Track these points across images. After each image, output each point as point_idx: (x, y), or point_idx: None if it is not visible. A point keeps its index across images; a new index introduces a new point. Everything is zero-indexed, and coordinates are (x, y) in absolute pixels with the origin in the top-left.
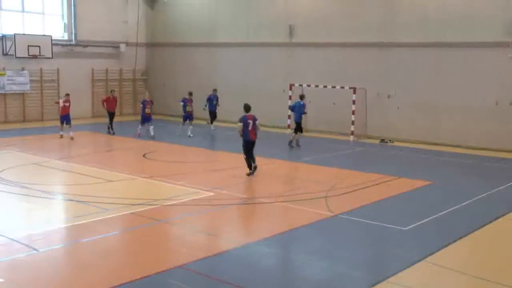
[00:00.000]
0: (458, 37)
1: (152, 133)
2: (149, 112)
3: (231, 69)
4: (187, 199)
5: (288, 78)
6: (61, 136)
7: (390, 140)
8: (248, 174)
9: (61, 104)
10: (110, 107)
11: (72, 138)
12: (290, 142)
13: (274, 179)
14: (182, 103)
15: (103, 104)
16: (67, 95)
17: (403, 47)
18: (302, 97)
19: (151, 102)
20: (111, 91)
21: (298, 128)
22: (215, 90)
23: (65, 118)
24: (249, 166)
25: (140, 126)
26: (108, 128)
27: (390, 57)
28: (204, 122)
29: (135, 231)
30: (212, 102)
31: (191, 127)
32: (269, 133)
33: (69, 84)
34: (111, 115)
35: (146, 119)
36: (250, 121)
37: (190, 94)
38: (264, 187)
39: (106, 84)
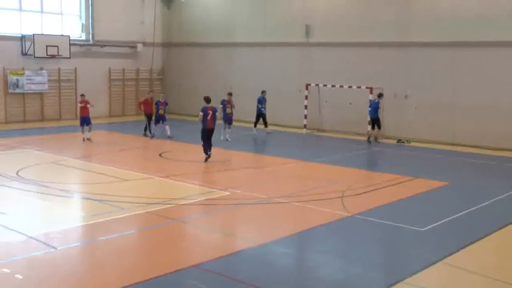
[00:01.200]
0: (475, 36)
1: (168, 133)
2: (162, 113)
3: (247, 69)
4: (202, 198)
5: (305, 78)
6: (84, 140)
7: (407, 141)
8: (205, 160)
9: (78, 105)
10: (148, 109)
11: (88, 139)
12: (369, 138)
13: (290, 179)
14: (221, 106)
15: (140, 106)
16: (82, 95)
17: (420, 47)
18: (380, 95)
19: (165, 104)
20: (149, 92)
21: (376, 124)
22: (264, 92)
23: (83, 120)
24: (205, 152)
25: (153, 126)
26: (145, 131)
27: (407, 57)
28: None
29: (150, 230)
30: (262, 104)
31: (229, 130)
32: (285, 133)
33: (86, 84)
34: (149, 117)
35: (159, 119)
36: (210, 112)
37: (230, 94)
38: (280, 187)
39: (123, 84)
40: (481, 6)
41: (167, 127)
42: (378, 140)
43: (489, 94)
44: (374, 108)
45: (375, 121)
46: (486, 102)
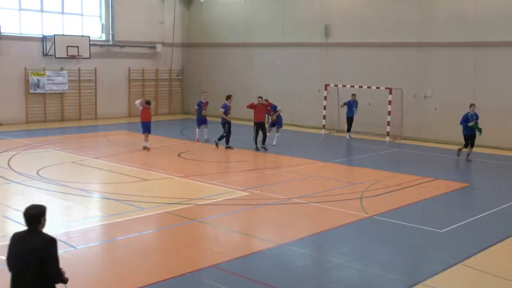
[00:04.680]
0: (497, 36)
1: (205, 136)
2: (205, 114)
3: (266, 70)
4: (221, 198)
5: (324, 79)
6: (145, 148)
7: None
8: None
9: (140, 107)
10: (258, 117)
11: (145, 148)
12: (460, 152)
13: (309, 180)
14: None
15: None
16: (148, 102)
17: (441, 47)
18: (473, 105)
19: (207, 103)
20: (259, 98)
21: (468, 141)
22: (354, 95)
23: (144, 126)
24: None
25: (197, 130)
26: (256, 142)
27: (428, 57)
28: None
29: (169, 230)
30: (351, 108)
31: (277, 134)
32: (304, 133)
33: (106, 84)
34: (259, 126)
35: (202, 121)
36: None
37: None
38: (298, 188)
39: (143, 84)
40: (504, 5)
41: (206, 130)
42: (469, 158)
43: (510, 95)
44: (467, 122)
45: (468, 138)
46: (507, 103)
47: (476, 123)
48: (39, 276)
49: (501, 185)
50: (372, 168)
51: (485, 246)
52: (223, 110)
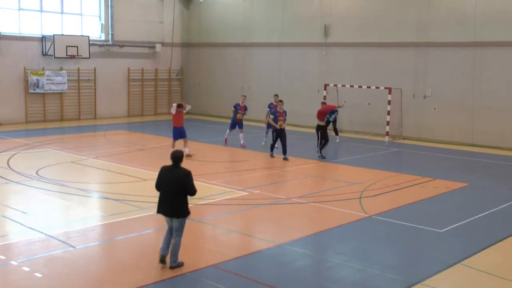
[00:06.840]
0: (496, 36)
1: (242, 141)
2: (240, 118)
3: (265, 69)
4: (220, 198)
5: (323, 78)
6: (188, 156)
7: None
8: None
9: (174, 111)
10: (321, 116)
11: (188, 155)
12: None
13: (308, 180)
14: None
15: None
16: (179, 106)
17: (440, 47)
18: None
19: (245, 108)
20: (323, 103)
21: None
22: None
23: (177, 131)
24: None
25: (228, 131)
26: (321, 148)
27: (427, 57)
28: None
29: None
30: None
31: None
32: (303, 133)
33: (105, 84)
34: (323, 129)
35: (235, 124)
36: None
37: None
38: (298, 187)
39: (142, 84)
40: (502, 4)
41: (241, 134)
42: None
43: (509, 95)
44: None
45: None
46: (507, 103)
47: None
48: (182, 194)
49: (500, 185)
50: (371, 168)
51: (484, 246)
52: (272, 116)
